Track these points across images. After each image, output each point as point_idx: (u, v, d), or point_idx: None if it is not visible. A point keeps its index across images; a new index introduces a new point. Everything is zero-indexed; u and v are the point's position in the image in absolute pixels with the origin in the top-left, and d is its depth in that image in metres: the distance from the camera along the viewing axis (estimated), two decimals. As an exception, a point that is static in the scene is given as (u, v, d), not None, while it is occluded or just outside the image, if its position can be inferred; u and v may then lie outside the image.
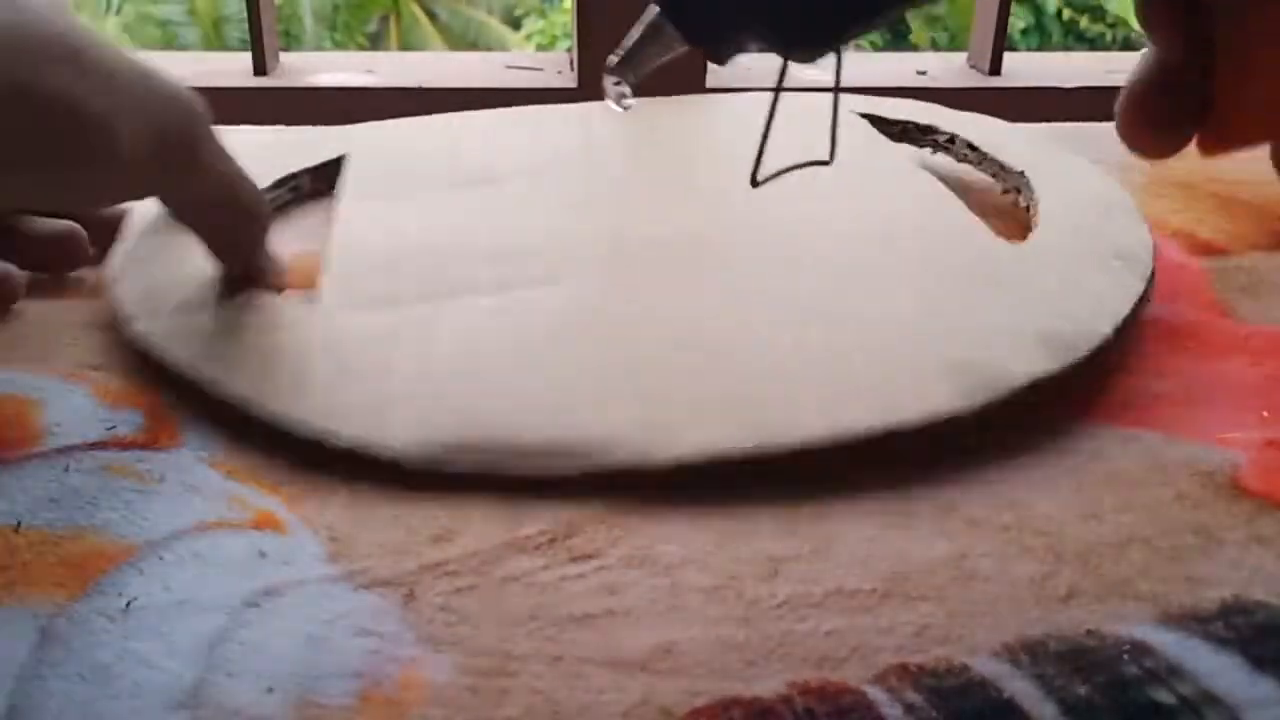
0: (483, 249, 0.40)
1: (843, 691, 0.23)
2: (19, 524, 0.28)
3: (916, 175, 0.47)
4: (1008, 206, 0.45)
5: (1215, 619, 0.25)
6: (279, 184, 0.46)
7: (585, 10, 0.83)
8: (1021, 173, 0.45)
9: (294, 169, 0.47)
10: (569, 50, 0.90)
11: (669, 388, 0.32)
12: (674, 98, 0.56)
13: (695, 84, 0.84)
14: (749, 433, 0.30)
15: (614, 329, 0.35)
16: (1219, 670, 0.23)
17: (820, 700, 0.23)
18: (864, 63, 1.01)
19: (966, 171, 0.49)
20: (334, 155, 0.49)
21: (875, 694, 0.23)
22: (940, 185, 0.45)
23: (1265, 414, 0.33)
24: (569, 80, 0.85)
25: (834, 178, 0.43)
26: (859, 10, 0.28)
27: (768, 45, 0.29)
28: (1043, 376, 0.32)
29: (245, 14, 0.86)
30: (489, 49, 5.33)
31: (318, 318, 0.35)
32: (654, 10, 0.30)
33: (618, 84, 0.31)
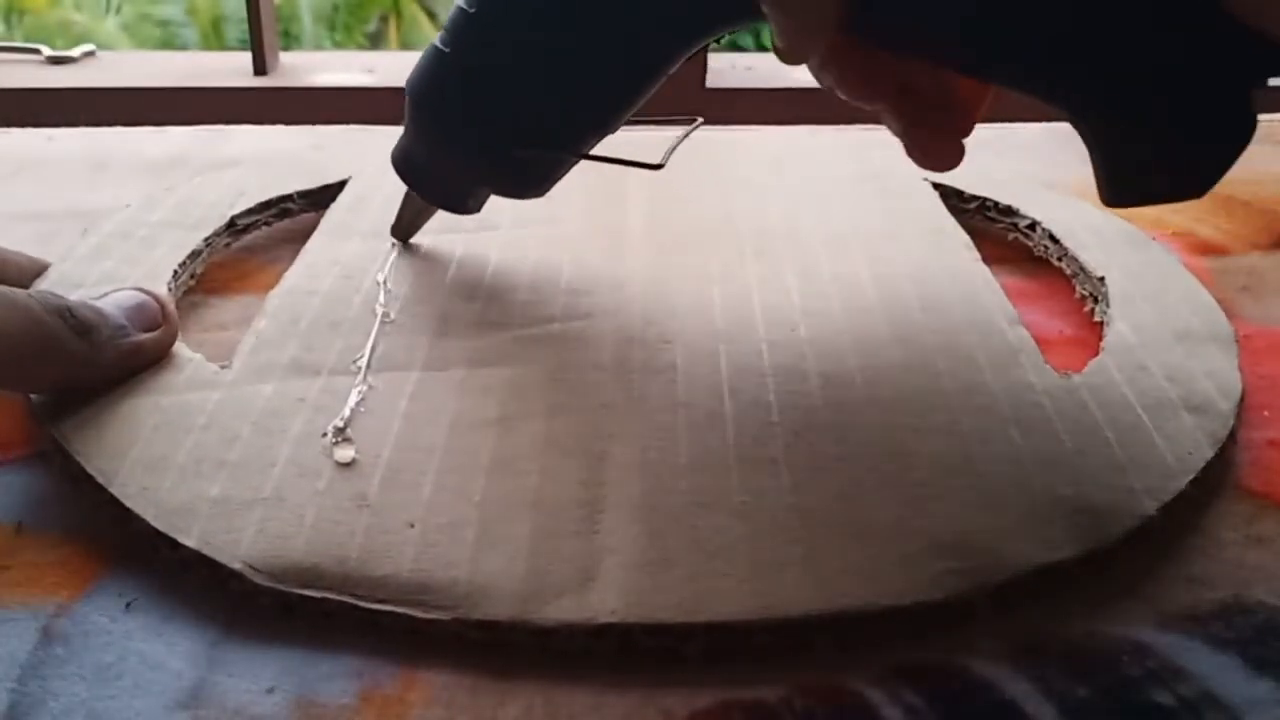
0: (438, 311, 0.36)
1: (843, 693, 0.23)
2: (19, 524, 0.28)
3: (970, 271, 0.40)
4: (1079, 316, 0.39)
5: (1215, 620, 0.25)
6: (265, 206, 0.44)
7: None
8: (1101, 279, 0.39)
9: (293, 183, 0.46)
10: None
11: (586, 529, 0.27)
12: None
13: (695, 84, 0.84)
14: (661, 599, 0.24)
15: (543, 441, 0.30)
16: (1219, 671, 0.23)
17: (821, 702, 0.23)
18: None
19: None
20: (337, 171, 0.47)
21: (875, 696, 0.23)
22: (997, 289, 0.38)
23: (1265, 413, 0.33)
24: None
25: (872, 259, 0.40)
26: (554, 164, 0.36)
27: (501, 194, 0.37)
28: (1051, 563, 0.26)
29: (245, 14, 0.86)
30: (489, 48, 5.31)
31: (219, 386, 0.32)
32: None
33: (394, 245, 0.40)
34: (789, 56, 0.30)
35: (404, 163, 0.37)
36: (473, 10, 0.33)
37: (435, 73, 0.34)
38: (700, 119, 0.38)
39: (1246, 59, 0.26)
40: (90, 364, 0.31)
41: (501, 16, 0.33)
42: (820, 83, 0.33)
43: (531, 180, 0.36)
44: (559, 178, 0.36)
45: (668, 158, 0.35)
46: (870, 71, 0.32)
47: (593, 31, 0.32)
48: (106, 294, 0.33)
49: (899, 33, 0.29)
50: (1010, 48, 0.28)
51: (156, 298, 0.34)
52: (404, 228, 0.41)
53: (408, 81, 0.35)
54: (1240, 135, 0.27)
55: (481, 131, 0.34)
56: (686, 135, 0.37)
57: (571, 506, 0.27)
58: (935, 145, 0.33)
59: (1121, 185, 0.29)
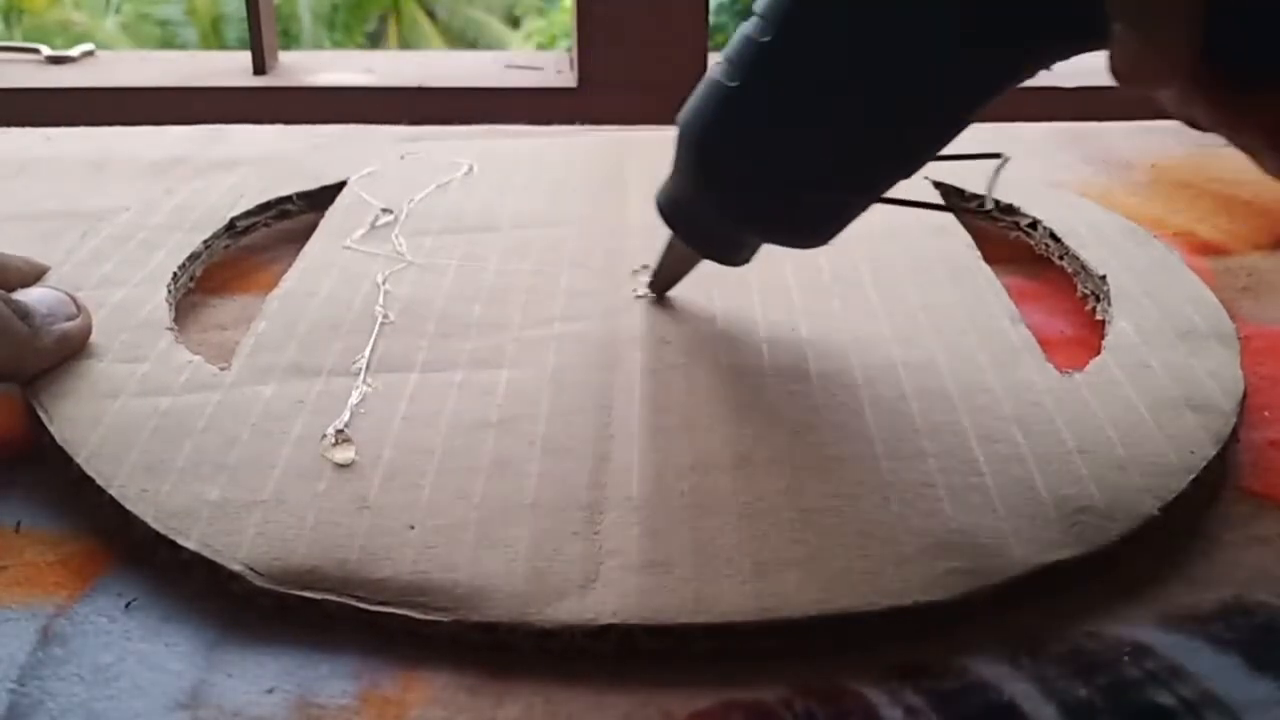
0: (438, 312, 0.36)
1: (843, 694, 0.23)
2: (19, 524, 0.28)
3: (972, 270, 0.40)
4: (1080, 314, 0.39)
5: (1215, 620, 0.25)
6: (264, 207, 0.45)
7: (585, 9, 0.83)
8: (1103, 277, 0.39)
9: (293, 184, 0.46)
10: (569, 49, 0.90)
11: (586, 531, 0.27)
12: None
13: (695, 83, 0.84)
14: (661, 600, 0.24)
15: (543, 443, 0.30)
16: (1219, 671, 0.23)
17: (821, 702, 0.23)
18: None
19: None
20: (337, 172, 0.48)
21: (875, 696, 0.23)
22: (998, 288, 0.38)
23: (1266, 414, 0.33)
24: (569, 80, 0.85)
25: (874, 259, 0.40)
26: (846, 208, 0.32)
27: (780, 244, 0.33)
28: (1053, 563, 0.26)
29: (244, 13, 0.86)
30: (489, 48, 5.32)
31: (219, 388, 0.32)
32: (671, 234, 0.35)
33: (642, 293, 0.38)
34: (1133, 79, 0.25)
35: (671, 207, 0.34)
36: (767, 40, 0.29)
37: (720, 109, 0.31)
38: (1007, 156, 0.34)
39: None
40: (32, 346, 0.32)
41: (805, 48, 0.29)
42: (1174, 114, 0.28)
43: (818, 227, 0.32)
44: (846, 224, 0.32)
45: (990, 198, 0.33)
46: (1242, 108, 0.26)
47: (911, 63, 0.28)
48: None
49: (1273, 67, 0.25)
50: None
51: (66, 292, 0.35)
52: (664, 280, 0.37)
53: (681, 119, 0.32)
54: None
55: (770, 173, 0.31)
56: (998, 171, 0.33)
57: (572, 508, 0.27)
58: None
59: None
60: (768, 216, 0.32)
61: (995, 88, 0.29)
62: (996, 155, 0.33)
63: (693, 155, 0.32)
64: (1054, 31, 0.28)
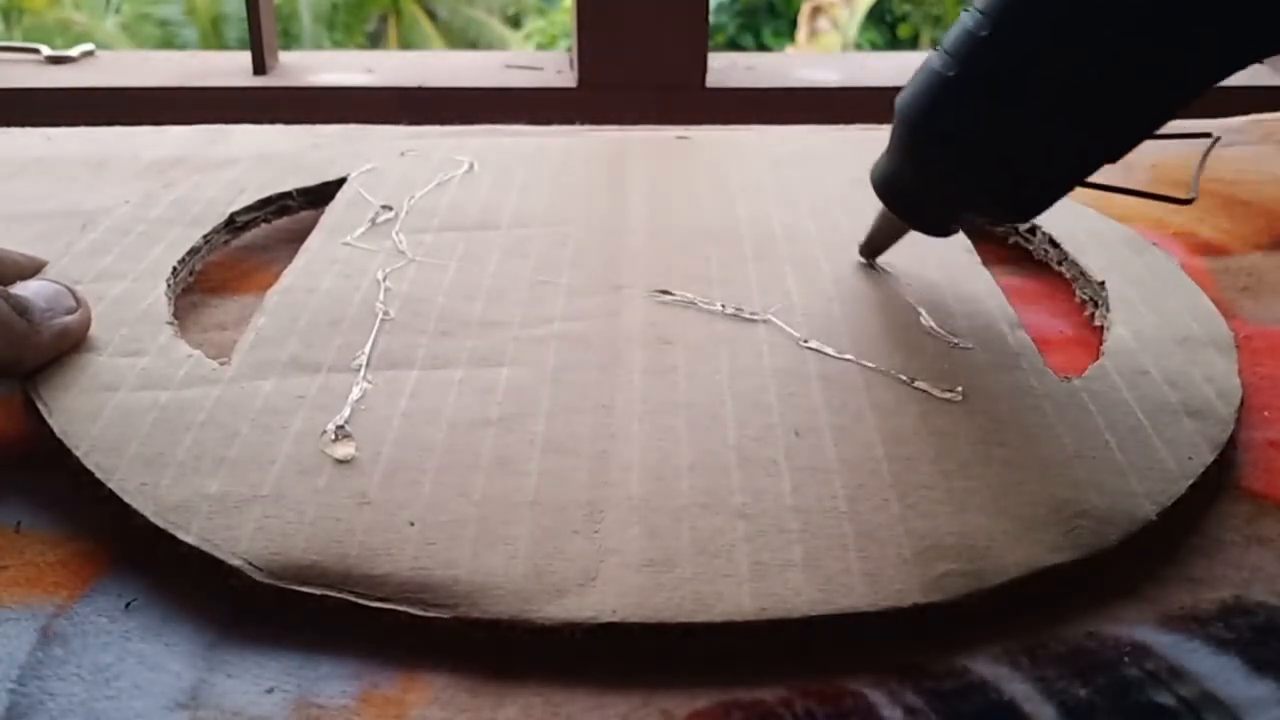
0: (439, 309, 0.37)
1: (843, 694, 0.23)
2: (19, 524, 0.28)
3: (971, 274, 0.40)
4: (1079, 318, 0.39)
5: (1215, 620, 0.25)
6: (264, 203, 0.45)
7: (585, 9, 0.83)
8: (1101, 283, 0.39)
9: (293, 181, 0.46)
10: (569, 49, 0.90)
11: (587, 529, 0.27)
12: (682, 135, 0.53)
13: (695, 84, 0.84)
14: (661, 599, 0.24)
15: (543, 441, 0.30)
16: (1219, 672, 0.23)
17: (821, 702, 0.23)
18: (865, 62, 1.01)
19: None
20: (335, 168, 0.48)
21: (875, 696, 0.23)
22: (997, 292, 0.38)
23: (1266, 414, 0.33)
24: (569, 80, 0.85)
25: (873, 261, 0.41)
26: (1068, 175, 0.34)
27: (988, 219, 0.36)
28: (1051, 567, 0.26)
29: (244, 13, 0.86)
30: (489, 48, 5.33)
31: (219, 383, 0.32)
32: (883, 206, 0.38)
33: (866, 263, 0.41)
34: None
35: (885, 184, 0.38)
36: (986, 34, 0.32)
37: (938, 96, 0.34)
38: (1218, 136, 0.36)
39: None
40: (30, 342, 0.32)
41: (1020, 41, 0.32)
42: None
43: (1026, 203, 0.35)
44: (1053, 202, 0.35)
45: (1196, 188, 0.34)
46: None
47: (1122, 55, 0.31)
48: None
49: None
50: None
51: (66, 285, 0.35)
52: (875, 247, 0.40)
53: (900, 104, 0.35)
54: None
55: (986, 155, 0.34)
56: (1205, 158, 0.35)
57: (572, 506, 0.27)
58: None
59: None
60: (978, 192, 0.35)
61: (1214, 70, 0.30)
62: (1207, 135, 0.35)
63: (912, 137, 0.35)
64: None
